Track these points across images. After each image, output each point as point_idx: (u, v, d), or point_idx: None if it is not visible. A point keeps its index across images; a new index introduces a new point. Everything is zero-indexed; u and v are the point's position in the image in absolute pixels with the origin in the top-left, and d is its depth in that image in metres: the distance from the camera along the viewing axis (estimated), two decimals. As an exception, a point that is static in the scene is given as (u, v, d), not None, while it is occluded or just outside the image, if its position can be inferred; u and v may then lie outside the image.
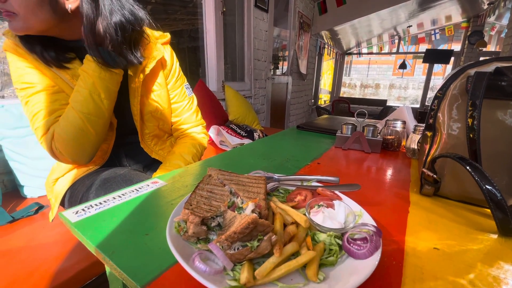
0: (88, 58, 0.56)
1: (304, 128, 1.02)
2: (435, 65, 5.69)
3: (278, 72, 3.76)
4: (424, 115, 5.23)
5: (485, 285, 0.26)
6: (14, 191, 1.00)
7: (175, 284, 0.25)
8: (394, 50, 6.35)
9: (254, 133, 1.75)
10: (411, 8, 3.99)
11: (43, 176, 0.97)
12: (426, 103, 5.91)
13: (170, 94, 0.76)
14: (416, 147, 0.68)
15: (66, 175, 0.69)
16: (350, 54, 6.87)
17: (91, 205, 0.41)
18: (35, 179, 0.96)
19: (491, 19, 4.34)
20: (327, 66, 6.58)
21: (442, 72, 8.43)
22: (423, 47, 6.37)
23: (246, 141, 1.65)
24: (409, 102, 8.69)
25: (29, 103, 0.57)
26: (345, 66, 7.19)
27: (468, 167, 0.35)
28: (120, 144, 0.72)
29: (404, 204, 0.44)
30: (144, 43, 0.65)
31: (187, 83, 0.81)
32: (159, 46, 0.70)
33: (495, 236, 0.35)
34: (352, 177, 0.56)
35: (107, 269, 0.38)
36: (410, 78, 8.99)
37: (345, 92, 9.20)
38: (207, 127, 1.66)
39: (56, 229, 0.76)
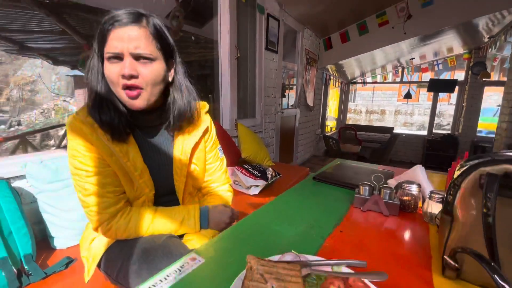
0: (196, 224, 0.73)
1: (320, 180, 1.06)
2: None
3: (285, 100, 3.90)
4: (433, 143, 5.24)
5: None
6: (43, 240, 1.05)
7: None
8: (398, 79, 6.51)
9: (267, 172, 1.80)
10: (413, 42, 4.18)
11: (73, 227, 1.03)
12: (433, 131, 5.93)
13: (206, 156, 0.84)
14: (432, 210, 0.71)
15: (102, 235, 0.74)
16: (355, 83, 7.06)
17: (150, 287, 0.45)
18: (65, 230, 1.02)
19: (493, 51, 4.49)
20: (333, 93, 6.76)
21: (447, 98, 8.52)
22: (426, 76, 6.53)
23: (260, 182, 1.69)
24: (416, 128, 8.72)
25: (81, 183, 0.64)
26: (350, 92, 7.37)
27: (486, 266, 0.39)
28: (156, 204, 0.76)
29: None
30: (196, 112, 0.76)
31: (220, 146, 0.90)
32: (204, 117, 0.80)
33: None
34: (374, 252, 0.60)
35: None
36: (416, 104, 9.09)
37: (350, 118, 9.33)
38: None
39: (90, 285, 0.80)
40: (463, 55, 5.16)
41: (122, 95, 0.61)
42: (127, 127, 0.66)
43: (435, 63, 5.66)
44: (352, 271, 0.48)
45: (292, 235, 0.65)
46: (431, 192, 0.72)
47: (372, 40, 3.79)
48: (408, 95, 5.78)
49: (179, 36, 3.10)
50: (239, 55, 2.22)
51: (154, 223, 0.69)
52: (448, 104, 8.64)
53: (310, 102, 4.13)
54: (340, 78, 6.13)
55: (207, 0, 2.98)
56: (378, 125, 7.56)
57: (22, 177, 1.03)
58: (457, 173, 0.50)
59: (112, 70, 0.59)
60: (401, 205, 0.80)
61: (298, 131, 3.95)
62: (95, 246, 0.73)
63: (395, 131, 6.34)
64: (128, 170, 0.67)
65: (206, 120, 0.81)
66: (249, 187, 1.70)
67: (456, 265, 0.46)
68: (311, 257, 0.52)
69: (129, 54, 0.58)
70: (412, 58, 5.25)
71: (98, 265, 0.73)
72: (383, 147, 4.69)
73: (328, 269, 0.49)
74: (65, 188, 1.03)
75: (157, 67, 0.62)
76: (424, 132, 6.40)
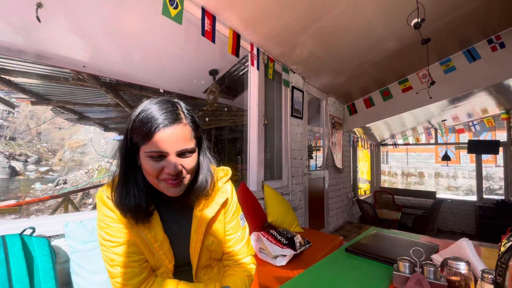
0: None
1: (353, 252, 0.98)
2: (483, 154, 5.36)
3: (313, 161, 3.88)
4: (486, 210, 4.60)
5: None
6: (66, 305, 1.04)
7: None
8: (432, 140, 6.27)
9: (295, 240, 1.69)
10: (442, 105, 4.15)
11: (97, 291, 1.02)
12: (484, 196, 5.28)
13: (226, 227, 0.80)
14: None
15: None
16: (385, 145, 6.92)
17: None
18: (89, 295, 1.01)
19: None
20: (363, 155, 6.62)
21: (492, 159, 7.82)
22: (463, 136, 6.21)
23: (287, 251, 1.58)
24: (463, 192, 7.86)
25: (107, 254, 0.66)
26: (382, 153, 7.15)
27: None
28: (173, 274, 0.74)
29: None
30: (211, 185, 0.74)
31: (242, 213, 0.85)
32: (224, 188, 0.78)
33: None
34: None
35: None
36: (458, 166, 8.41)
37: (385, 180, 8.80)
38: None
39: None
40: (500, 115, 4.94)
41: (163, 186, 0.63)
42: (150, 203, 0.67)
43: (470, 124, 5.43)
44: None
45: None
46: (483, 271, 0.62)
47: (397, 104, 3.86)
48: (446, 157, 5.45)
49: (215, 107, 3.50)
50: (266, 122, 2.39)
51: None
52: (495, 166, 7.88)
53: (338, 164, 4.07)
54: (369, 140, 6.08)
55: (239, 77, 3.43)
56: (418, 189, 6.98)
57: (61, 235, 1.10)
58: (503, 249, 0.44)
59: (154, 166, 0.60)
60: (449, 286, 0.69)
61: (328, 193, 3.80)
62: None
63: (438, 195, 5.77)
64: (148, 242, 0.67)
65: (226, 191, 0.78)
66: (275, 257, 1.59)
67: None
68: None
69: (174, 152, 0.60)
70: (444, 120, 5.14)
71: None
72: (427, 214, 4.22)
73: None
74: (97, 249, 1.06)
75: (195, 156, 0.66)
76: (474, 198, 5.72)
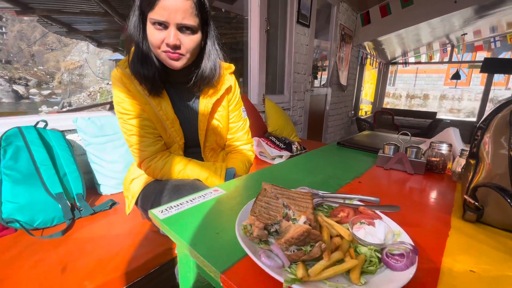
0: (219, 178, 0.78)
1: (344, 145, 1.05)
2: (496, 75, 5.13)
3: (317, 82, 3.77)
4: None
5: (517, 307, 0.29)
6: (92, 188, 1.20)
7: (246, 273, 0.33)
8: (446, 59, 5.89)
9: (292, 145, 1.81)
10: (466, 15, 3.71)
11: (116, 177, 1.16)
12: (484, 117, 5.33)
13: (229, 115, 0.88)
14: (462, 169, 0.68)
15: (140, 177, 0.84)
16: (395, 63, 6.55)
17: (171, 207, 0.52)
18: (109, 179, 1.15)
19: None
20: (369, 75, 6.36)
21: (504, 82, 7.53)
22: (480, 55, 5.81)
23: (284, 153, 1.71)
24: (464, 115, 7.90)
25: (124, 125, 0.75)
26: (389, 75, 6.86)
27: (508, 199, 0.37)
28: (184, 154, 0.84)
29: (445, 227, 0.47)
30: (218, 76, 0.79)
31: (244, 107, 0.93)
32: (228, 76, 0.83)
33: (538, 266, 0.37)
34: (393, 198, 0.59)
35: (183, 258, 0.48)
36: (466, 89, 8.19)
37: (388, 102, 8.73)
38: (249, 138, 1.77)
39: (130, 222, 0.92)
40: (528, 29, 4.46)
41: (163, 56, 0.67)
42: (161, 82, 0.74)
43: (491, 40, 4.98)
44: (363, 204, 0.49)
45: (309, 181, 0.68)
46: (462, 149, 0.68)
47: (417, 12, 3.44)
48: (456, 76, 5.21)
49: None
50: (268, 28, 2.19)
51: (185, 170, 0.77)
52: (505, 89, 7.64)
53: (343, 81, 3.95)
54: (379, 58, 5.72)
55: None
56: (420, 110, 6.99)
57: (73, 131, 1.18)
58: (485, 115, 0.47)
59: (156, 35, 0.64)
60: (428, 165, 0.77)
61: (328, 111, 3.84)
62: (133, 186, 0.84)
63: (439, 117, 5.83)
64: (161, 118, 0.75)
65: (229, 80, 0.84)
66: (273, 158, 1.73)
67: (477, 203, 0.45)
68: (322, 192, 0.54)
69: (174, 24, 0.63)
70: (464, 34, 4.68)
71: (136, 203, 0.83)
72: (422, 132, 4.36)
73: (341, 202, 0.51)
74: (110, 142, 1.15)
75: (196, 38, 0.68)
76: (474, 119, 5.79)
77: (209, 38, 0.74)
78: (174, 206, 0.52)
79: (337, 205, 0.49)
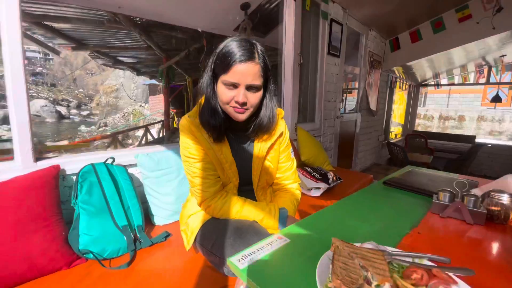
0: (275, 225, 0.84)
1: (391, 184, 1.05)
2: (542, 96, 4.77)
3: (342, 104, 3.77)
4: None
5: None
6: (146, 217, 1.29)
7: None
8: (482, 80, 5.62)
9: (328, 176, 1.81)
10: (504, 37, 3.58)
11: (168, 208, 1.25)
12: (531, 141, 4.91)
13: (279, 155, 0.95)
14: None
15: (198, 214, 0.92)
16: (426, 85, 6.36)
17: (245, 255, 0.56)
18: (162, 211, 1.25)
19: None
20: (399, 97, 6.22)
21: (552, 102, 6.96)
22: (522, 75, 5.47)
23: (321, 184, 1.72)
24: (507, 137, 7.32)
25: (190, 167, 0.84)
26: (419, 96, 6.66)
27: None
28: (238, 192, 0.91)
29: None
30: (275, 125, 0.88)
31: (292, 148, 0.99)
32: (280, 122, 0.91)
33: None
34: (460, 254, 0.59)
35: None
36: (507, 109, 7.65)
37: (419, 124, 8.38)
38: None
39: (185, 256, 0.98)
40: None
41: (230, 110, 0.77)
42: (224, 131, 0.83)
43: (535, 59, 4.70)
44: (434, 265, 0.51)
45: (367, 231, 0.70)
46: (528, 202, 0.67)
47: (449, 38, 3.40)
48: (497, 98, 4.93)
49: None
50: (302, 61, 2.30)
51: (242, 211, 0.84)
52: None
53: (373, 106, 3.92)
54: (408, 81, 5.62)
55: (272, 11, 3.16)
56: (455, 133, 6.61)
57: (133, 165, 1.31)
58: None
59: (227, 94, 0.74)
60: (488, 215, 0.76)
61: (358, 136, 3.79)
62: (191, 222, 0.91)
63: (478, 140, 5.47)
64: (221, 161, 0.84)
65: (281, 126, 0.92)
66: (310, 189, 1.75)
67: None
68: (391, 249, 0.56)
69: (244, 85, 0.73)
70: (503, 56, 4.49)
71: (194, 239, 0.90)
72: (462, 158, 4.10)
73: (409, 260, 0.52)
74: (164, 176, 1.26)
75: (260, 94, 0.78)
76: (518, 143, 5.35)
77: (268, 92, 0.83)
78: (248, 254, 0.57)
79: (406, 264, 0.51)
